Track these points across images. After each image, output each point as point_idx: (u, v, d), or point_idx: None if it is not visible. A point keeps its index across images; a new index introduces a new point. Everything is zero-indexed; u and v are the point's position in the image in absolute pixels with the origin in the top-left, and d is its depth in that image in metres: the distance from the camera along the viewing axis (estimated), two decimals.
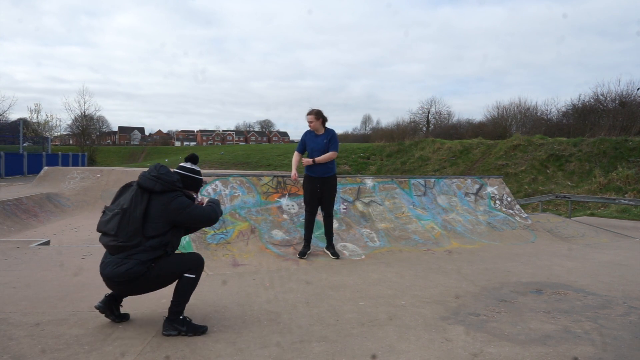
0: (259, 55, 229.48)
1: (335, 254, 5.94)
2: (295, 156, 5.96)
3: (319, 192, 5.80)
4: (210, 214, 3.42)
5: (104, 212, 3.30)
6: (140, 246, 3.15)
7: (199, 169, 3.62)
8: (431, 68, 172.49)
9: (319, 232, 6.28)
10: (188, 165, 3.57)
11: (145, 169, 3.37)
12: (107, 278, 3.23)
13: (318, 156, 5.74)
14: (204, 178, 6.73)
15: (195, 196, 3.61)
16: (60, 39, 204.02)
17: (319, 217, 6.10)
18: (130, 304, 4.03)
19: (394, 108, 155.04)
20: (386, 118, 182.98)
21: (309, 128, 5.90)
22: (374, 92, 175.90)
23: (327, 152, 5.76)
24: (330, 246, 6.01)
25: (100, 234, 3.28)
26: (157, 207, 3.22)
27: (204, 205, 3.54)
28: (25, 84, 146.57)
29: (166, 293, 4.39)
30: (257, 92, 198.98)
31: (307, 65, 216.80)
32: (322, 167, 5.75)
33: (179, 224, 3.34)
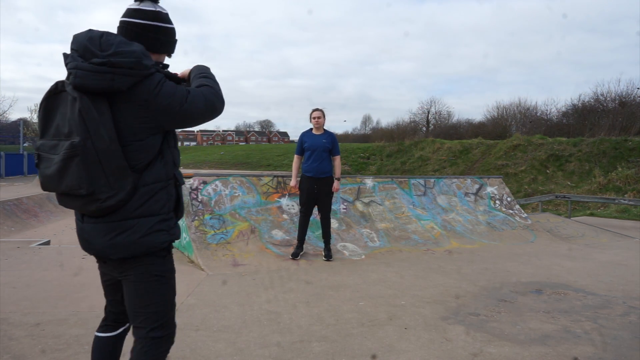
0: (245, 53, 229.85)
1: (328, 256, 5.92)
2: (296, 161, 5.99)
3: (316, 193, 5.81)
4: (215, 102, 1.91)
5: (39, 156, 1.85)
6: (141, 188, 1.82)
7: (166, 11, 1.98)
8: (421, 67, 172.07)
9: (319, 232, 6.28)
10: (147, 6, 1.92)
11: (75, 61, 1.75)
12: (103, 254, 1.87)
13: (318, 154, 5.78)
14: (205, 178, 6.76)
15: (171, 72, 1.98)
16: (41, 36, 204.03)
17: (319, 217, 6.10)
18: None
19: (388, 107, 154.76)
20: (385, 118, 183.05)
21: (308, 127, 5.98)
22: (366, 92, 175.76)
23: (328, 151, 5.83)
24: (325, 248, 6.00)
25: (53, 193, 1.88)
26: (130, 114, 1.78)
27: (193, 81, 1.98)
28: (13, 82, 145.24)
29: None
30: (249, 91, 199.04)
31: (295, 63, 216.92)
32: (319, 167, 5.77)
33: (171, 128, 1.94)
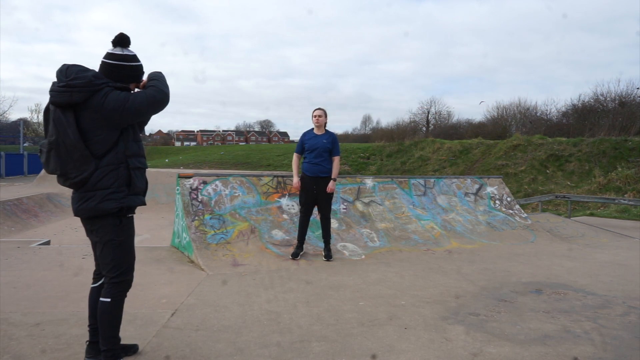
0: (243, 52, 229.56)
1: (328, 256, 5.92)
2: (295, 160, 6.00)
3: (315, 194, 5.82)
4: (156, 95, 2.67)
5: (40, 150, 2.71)
6: (98, 169, 2.60)
7: (133, 53, 2.76)
8: (420, 67, 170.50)
9: (319, 232, 6.28)
10: (117, 51, 2.70)
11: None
12: (78, 215, 2.74)
13: (319, 154, 5.79)
14: (205, 178, 6.76)
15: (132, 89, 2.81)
16: (39, 36, 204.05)
17: (319, 217, 6.10)
18: (130, 304, 4.03)
19: (388, 107, 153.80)
20: (385, 118, 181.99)
21: (308, 127, 6.00)
22: (365, 91, 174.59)
23: (328, 151, 5.83)
24: (325, 249, 6.00)
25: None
26: (89, 118, 2.57)
27: (146, 87, 2.75)
28: (12, 82, 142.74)
29: (166, 293, 4.40)
30: (247, 91, 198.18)
31: (293, 63, 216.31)
32: (319, 167, 5.77)
33: (126, 124, 2.68)
